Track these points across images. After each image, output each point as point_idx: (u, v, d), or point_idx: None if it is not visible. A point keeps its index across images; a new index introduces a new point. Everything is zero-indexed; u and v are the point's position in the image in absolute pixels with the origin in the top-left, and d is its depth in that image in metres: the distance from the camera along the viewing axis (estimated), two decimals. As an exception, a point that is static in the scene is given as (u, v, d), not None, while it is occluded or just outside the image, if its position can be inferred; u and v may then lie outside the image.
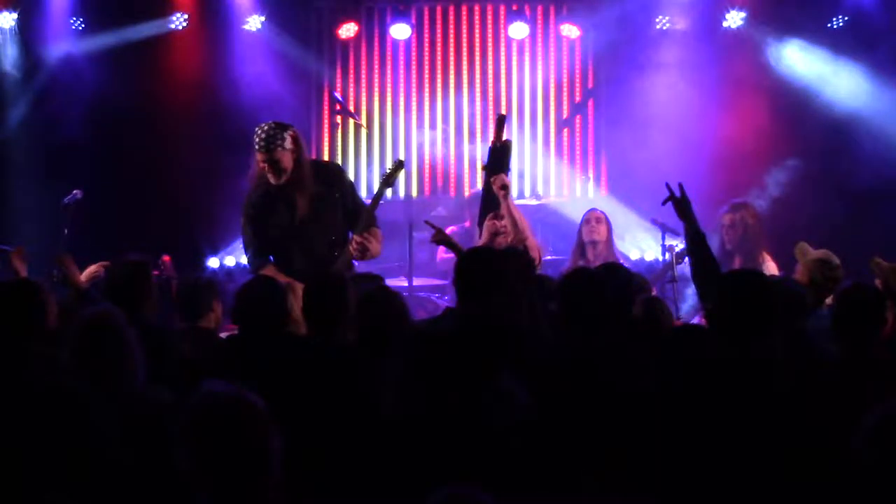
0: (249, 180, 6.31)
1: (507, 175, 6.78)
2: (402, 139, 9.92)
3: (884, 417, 2.55)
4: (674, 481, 3.79)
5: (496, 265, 4.87)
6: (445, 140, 9.99)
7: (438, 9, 9.80)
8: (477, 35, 9.92)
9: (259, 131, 6.02)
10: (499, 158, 6.62)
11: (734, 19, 9.04)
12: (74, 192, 7.39)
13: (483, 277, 4.67)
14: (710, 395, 3.93)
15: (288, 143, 6.01)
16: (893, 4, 9.06)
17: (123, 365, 3.97)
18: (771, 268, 6.76)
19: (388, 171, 6.51)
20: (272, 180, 5.96)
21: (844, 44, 9.06)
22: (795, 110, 9.08)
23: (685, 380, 4.11)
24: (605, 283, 4.76)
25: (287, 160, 6.02)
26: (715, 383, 3.99)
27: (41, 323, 4.46)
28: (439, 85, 9.97)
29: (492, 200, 6.50)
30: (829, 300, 5.40)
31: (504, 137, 6.90)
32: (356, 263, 6.35)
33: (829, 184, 8.86)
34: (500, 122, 6.82)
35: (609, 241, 7.45)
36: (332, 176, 6.36)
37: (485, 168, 6.61)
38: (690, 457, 3.77)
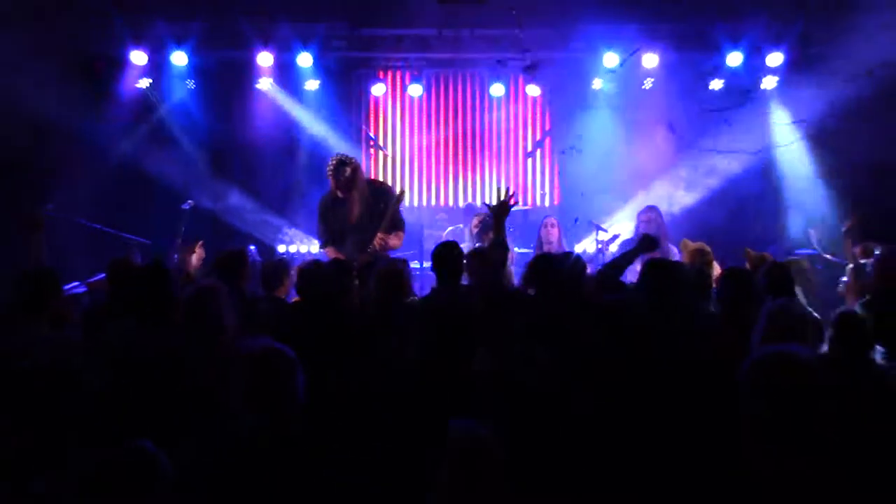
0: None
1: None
2: (416, 165, 10.92)
3: (755, 361, 2.70)
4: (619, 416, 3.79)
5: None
6: (447, 166, 10.87)
7: (441, 75, 10.77)
8: (468, 92, 10.94)
9: (330, 163, 6.99)
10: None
11: (647, 83, 9.97)
12: (189, 201, 8.43)
13: (459, 264, 5.41)
14: (644, 353, 4.16)
15: (348, 173, 6.85)
16: (756, 69, 9.89)
17: (222, 325, 4.49)
18: (674, 253, 7.58)
19: (395, 199, 7.13)
20: (338, 194, 6.85)
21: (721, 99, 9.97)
22: (689, 147, 9.92)
23: (624, 342, 4.31)
24: (564, 265, 5.29)
25: (346, 183, 6.83)
26: (648, 345, 4.26)
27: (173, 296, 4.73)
28: (442, 126, 10.86)
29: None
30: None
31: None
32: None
33: (711, 198, 9.73)
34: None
35: (559, 240, 8.28)
36: (383, 194, 7.13)
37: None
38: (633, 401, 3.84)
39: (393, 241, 6.67)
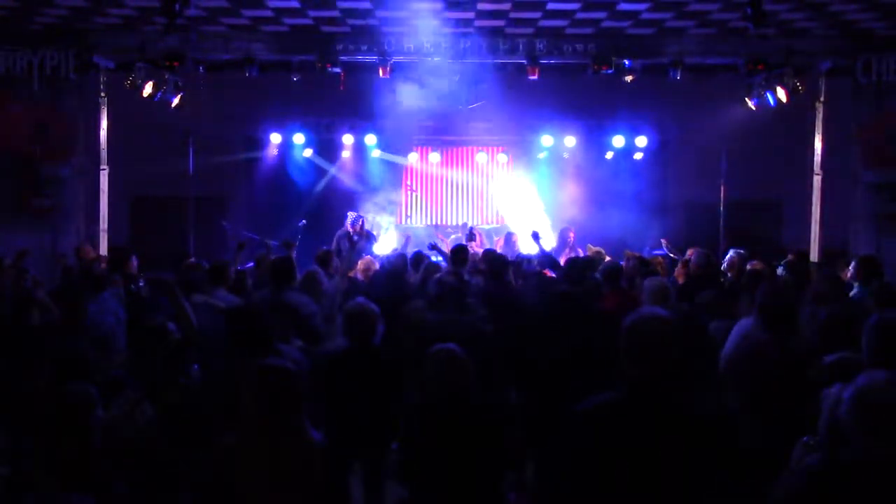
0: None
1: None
2: (433, 199, 12.46)
3: (636, 317, 2.56)
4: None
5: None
6: (451, 199, 12.30)
7: (449, 149, 12.26)
8: (464, 159, 12.43)
9: (353, 215, 9.12)
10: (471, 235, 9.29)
11: (566, 154, 11.66)
12: (303, 220, 9.91)
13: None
14: (569, 306, 4.55)
15: (360, 223, 9.15)
16: (630, 147, 11.50)
17: (321, 290, 5.22)
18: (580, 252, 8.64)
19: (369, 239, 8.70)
20: (351, 231, 9.13)
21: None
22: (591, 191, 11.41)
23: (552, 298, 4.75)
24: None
25: (357, 229, 9.00)
26: (571, 301, 4.63)
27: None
28: (449, 178, 12.36)
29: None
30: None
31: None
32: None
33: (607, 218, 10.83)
34: (470, 233, 9.42)
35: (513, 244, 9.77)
36: (369, 237, 9.35)
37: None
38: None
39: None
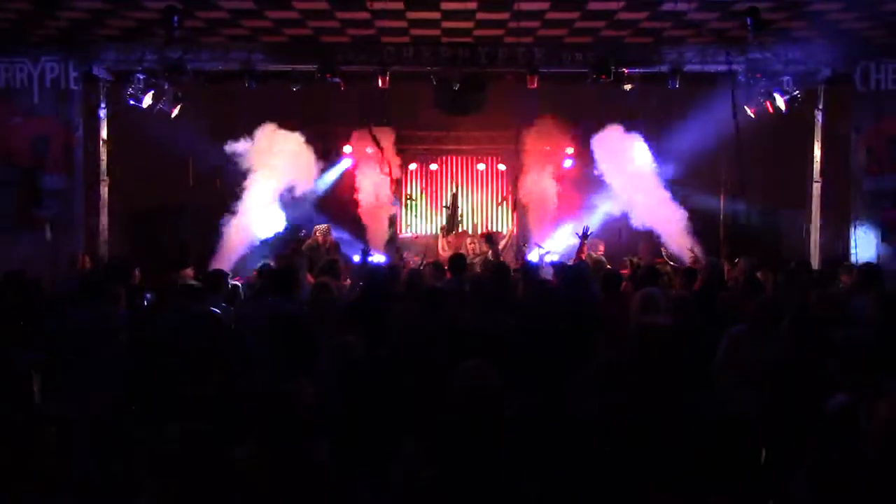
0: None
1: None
2: (432, 207, 12.26)
3: (638, 324, 2.78)
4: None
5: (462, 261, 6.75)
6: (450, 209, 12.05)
7: (448, 157, 12.16)
8: (464, 167, 12.31)
9: (323, 227, 9.33)
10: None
11: (567, 162, 11.31)
12: (304, 230, 10.06)
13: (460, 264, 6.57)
14: (565, 309, 4.65)
15: (327, 232, 9.38)
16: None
17: (332, 300, 5.33)
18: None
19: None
20: (319, 241, 9.39)
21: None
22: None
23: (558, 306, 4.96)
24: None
25: (326, 239, 9.27)
26: (567, 306, 4.91)
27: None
28: (448, 187, 12.27)
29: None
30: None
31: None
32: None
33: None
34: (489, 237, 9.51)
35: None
36: (336, 247, 9.50)
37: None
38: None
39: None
